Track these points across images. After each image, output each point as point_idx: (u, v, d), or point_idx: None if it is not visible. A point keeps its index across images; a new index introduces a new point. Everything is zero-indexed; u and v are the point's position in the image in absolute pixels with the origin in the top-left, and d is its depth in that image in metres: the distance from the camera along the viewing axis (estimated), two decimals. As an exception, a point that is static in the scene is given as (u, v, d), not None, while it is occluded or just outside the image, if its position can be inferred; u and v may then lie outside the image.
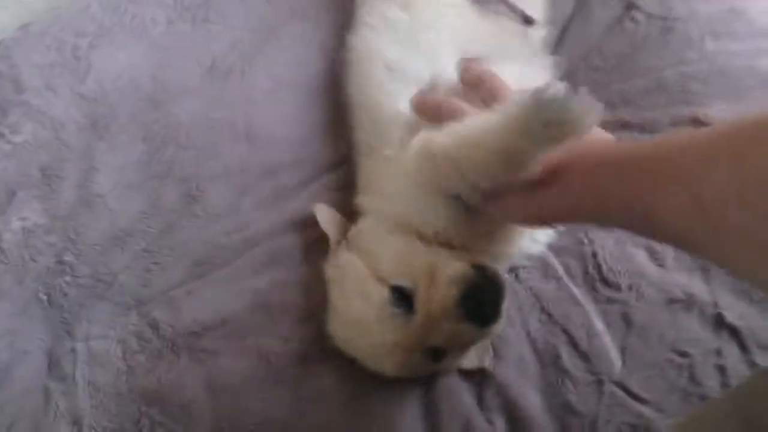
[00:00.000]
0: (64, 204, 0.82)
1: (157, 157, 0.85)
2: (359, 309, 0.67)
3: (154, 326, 0.77)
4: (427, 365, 0.67)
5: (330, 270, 0.74)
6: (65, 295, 0.78)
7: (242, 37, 0.91)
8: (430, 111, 0.71)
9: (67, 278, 0.79)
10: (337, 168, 0.86)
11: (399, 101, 0.76)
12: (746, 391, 0.51)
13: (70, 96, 0.86)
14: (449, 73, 0.77)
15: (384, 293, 0.66)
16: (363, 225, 0.75)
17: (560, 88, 0.49)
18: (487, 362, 0.74)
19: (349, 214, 0.80)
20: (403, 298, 0.65)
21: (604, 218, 0.55)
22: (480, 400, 0.74)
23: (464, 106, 0.68)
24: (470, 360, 0.73)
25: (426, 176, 0.65)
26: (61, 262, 0.80)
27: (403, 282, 0.66)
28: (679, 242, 0.49)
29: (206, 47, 0.90)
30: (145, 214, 0.83)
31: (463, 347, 0.68)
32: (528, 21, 0.82)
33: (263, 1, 0.94)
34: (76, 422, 0.72)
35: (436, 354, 0.66)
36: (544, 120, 0.50)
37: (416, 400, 0.73)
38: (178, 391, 0.73)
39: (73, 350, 0.76)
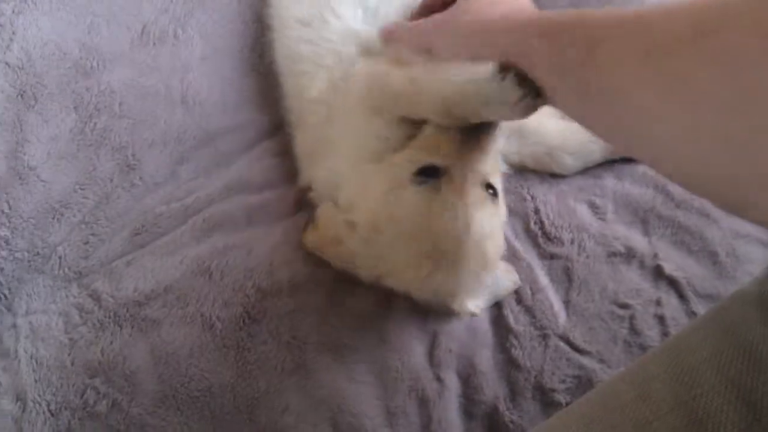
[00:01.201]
0: (-5, 177, 0.82)
1: (90, 126, 0.85)
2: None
3: (96, 298, 0.78)
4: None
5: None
6: (2, 270, 0.79)
7: (174, 1, 0.90)
8: (403, 37, 0.74)
9: (3, 253, 0.79)
10: (276, 133, 0.88)
11: (321, 59, 0.79)
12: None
13: (-5, 65, 0.85)
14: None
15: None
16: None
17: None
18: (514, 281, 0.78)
19: (290, 178, 0.82)
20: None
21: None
22: (431, 357, 0.77)
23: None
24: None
25: (375, 101, 0.71)
26: (-5, 237, 0.80)
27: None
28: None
29: (136, 12, 0.89)
30: (81, 185, 0.83)
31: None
32: None
33: (194, -38, 0.93)
34: (20, 398, 0.74)
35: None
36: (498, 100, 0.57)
37: (366, 360, 0.76)
38: (122, 362, 0.74)
39: (14, 326, 0.77)
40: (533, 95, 0.56)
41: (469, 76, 0.60)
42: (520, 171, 0.86)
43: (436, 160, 0.67)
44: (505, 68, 0.56)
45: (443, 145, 0.67)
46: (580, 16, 0.51)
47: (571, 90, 0.52)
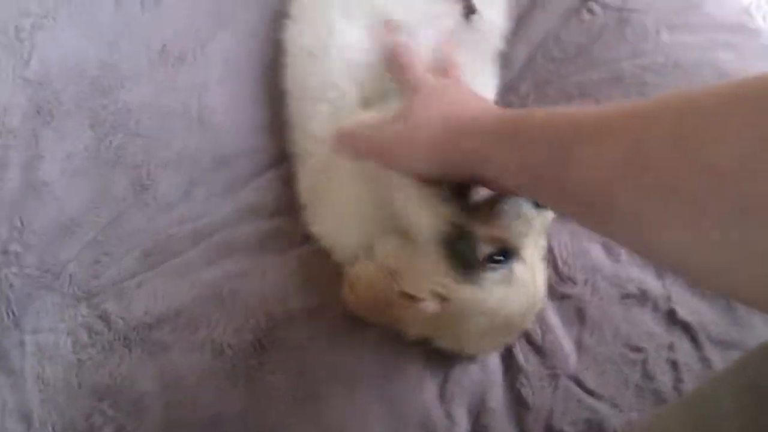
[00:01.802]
0: (8, 192, 0.82)
1: (105, 144, 0.86)
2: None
3: (105, 318, 0.79)
4: None
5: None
6: (11, 286, 0.80)
7: (195, 21, 0.91)
8: (361, 147, 0.74)
9: (14, 269, 0.80)
10: (288, 159, 0.88)
11: (323, 92, 0.80)
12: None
13: (13, 80, 0.86)
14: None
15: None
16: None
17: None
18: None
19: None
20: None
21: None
22: (442, 392, 0.77)
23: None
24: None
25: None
26: (6, 252, 0.81)
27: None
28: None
29: (157, 31, 0.90)
30: (94, 203, 0.84)
31: None
32: (470, 10, 0.84)
33: (216, -16, 0.94)
34: (26, 417, 0.74)
35: None
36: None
37: (377, 392, 0.76)
38: (130, 386, 0.75)
39: (22, 343, 0.78)
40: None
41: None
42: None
43: (507, 242, 0.69)
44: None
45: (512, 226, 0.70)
46: (548, 116, 0.53)
47: (546, 191, 0.54)
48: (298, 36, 0.85)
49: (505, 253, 0.69)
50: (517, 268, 0.70)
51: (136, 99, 0.87)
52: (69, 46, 0.88)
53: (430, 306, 0.68)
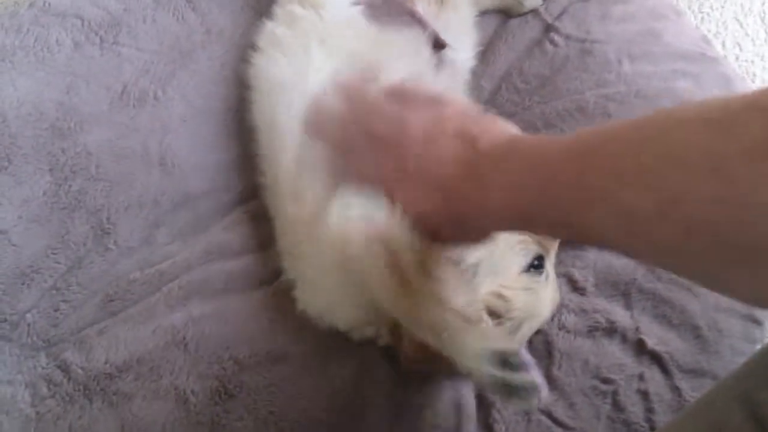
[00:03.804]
0: (-36, 240, 0.83)
1: (64, 188, 0.87)
2: None
3: (65, 369, 0.79)
4: None
5: None
6: (-33, 337, 0.80)
7: (155, 61, 0.93)
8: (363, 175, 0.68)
9: (-31, 319, 0.80)
10: (254, 197, 0.90)
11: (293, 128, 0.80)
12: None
13: (-32, 124, 0.87)
14: None
15: None
16: None
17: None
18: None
19: (268, 243, 0.84)
20: None
21: (522, 222, 0.57)
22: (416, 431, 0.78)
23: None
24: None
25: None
26: (-38, 302, 0.81)
27: None
28: (616, 250, 0.53)
29: (116, 72, 0.92)
30: (53, 249, 0.84)
31: None
32: (439, 44, 0.88)
33: (176, 22, 0.97)
34: (-18, 475, 0.74)
35: None
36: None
37: None
38: (90, 438, 0.75)
39: (-22, 397, 0.77)
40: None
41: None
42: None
43: (541, 249, 0.77)
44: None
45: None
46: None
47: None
48: (269, 68, 0.87)
49: (540, 257, 0.77)
50: (549, 266, 0.78)
51: (96, 142, 0.89)
52: (27, 90, 0.89)
53: None
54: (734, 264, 0.41)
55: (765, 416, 0.46)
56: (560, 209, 0.50)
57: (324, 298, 0.76)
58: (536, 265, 0.78)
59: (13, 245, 0.84)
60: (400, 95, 0.68)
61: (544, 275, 0.78)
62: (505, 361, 0.56)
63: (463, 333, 0.60)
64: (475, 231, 0.61)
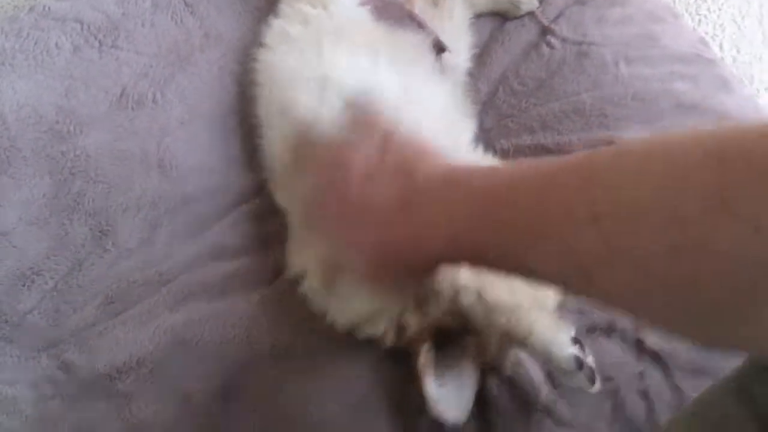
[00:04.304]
0: (-36, 242, 0.84)
1: (64, 191, 0.88)
2: None
3: (66, 370, 0.80)
4: None
5: None
6: (-32, 339, 0.81)
7: (153, 64, 0.95)
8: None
9: (-29, 321, 0.81)
10: (253, 197, 0.91)
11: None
12: None
13: (-33, 127, 0.88)
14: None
15: None
16: None
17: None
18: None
19: (268, 243, 0.85)
20: None
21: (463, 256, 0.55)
22: (417, 428, 0.78)
23: None
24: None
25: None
26: (-37, 305, 0.82)
27: None
28: (563, 290, 0.53)
29: (115, 75, 0.93)
30: (53, 251, 0.86)
31: None
32: (440, 48, 0.89)
33: (175, 26, 0.98)
34: (-16, 475, 0.75)
35: None
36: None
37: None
38: (93, 439, 0.76)
39: (-20, 398, 0.78)
40: None
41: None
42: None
43: None
44: None
45: None
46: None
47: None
48: (277, 62, 0.88)
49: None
50: None
51: (95, 144, 0.90)
52: (26, 93, 0.91)
53: None
54: (690, 314, 0.40)
55: (763, 411, 0.47)
56: (501, 244, 0.49)
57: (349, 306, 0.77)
58: None
59: (14, 247, 0.85)
60: (360, 126, 0.68)
61: None
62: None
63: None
64: (412, 265, 0.59)
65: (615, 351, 0.83)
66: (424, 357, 0.74)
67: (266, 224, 0.90)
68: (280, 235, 0.87)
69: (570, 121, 0.96)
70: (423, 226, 0.55)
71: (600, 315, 0.85)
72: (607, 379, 0.81)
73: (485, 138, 0.96)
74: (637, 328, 0.84)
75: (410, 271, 0.60)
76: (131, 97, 0.93)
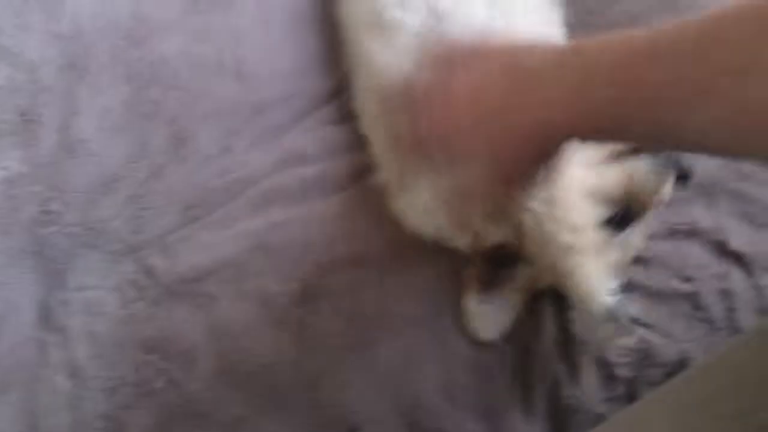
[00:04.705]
0: (46, 151, 0.85)
1: (142, 97, 0.88)
2: None
3: (150, 273, 0.81)
4: None
5: None
6: (55, 244, 0.82)
7: (225, -35, 0.92)
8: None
9: (55, 228, 0.82)
10: (332, 99, 0.89)
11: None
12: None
13: (45, 36, 0.88)
14: None
15: None
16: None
17: None
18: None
19: (346, 147, 0.85)
20: None
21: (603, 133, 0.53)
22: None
23: None
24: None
25: None
26: (47, 212, 0.83)
27: None
28: (717, 151, 0.50)
29: (187, -22, 0.91)
30: (133, 159, 0.86)
31: None
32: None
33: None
34: (75, 374, 0.77)
35: None
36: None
37: (426, 333, 0.78)
38: (179, 338, 0.77)
39: (67, 301, 0.80)
40: None
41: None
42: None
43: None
44: None
45: None
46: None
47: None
48: None
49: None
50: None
51: (171, 49, 0.89)
52: (99, 1, 0.90)
53: None
54: None
55: None
56: (646, 112, 0.47)
57: (419, 201, 0.75)
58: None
59: (94, 155, 0.85)
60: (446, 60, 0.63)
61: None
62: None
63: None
64: (538, 148, 0.56)
65: (696, 253, 0.82)
66: (472, 271, 0.75)
67: (342, 129, 0.88)
68: (356, 140, 0.85)
69: (660, 17, 0.90)
70: (542, 107, 0.52)
71: (681, 219, 0.81)
72: (686, 279, 0.80)
73: (566, 35, 0.91)
74: (720, 229, 0.81)
75: (530, 159, 0.57)
76: (203, 1, 0.91)
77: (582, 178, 0.72)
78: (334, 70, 0.89)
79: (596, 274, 0.72)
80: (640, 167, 0.73)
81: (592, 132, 0.51)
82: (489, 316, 0.76)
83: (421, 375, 0.76)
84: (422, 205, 0.75)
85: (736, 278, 0.80)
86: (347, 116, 0.86)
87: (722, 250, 0.81)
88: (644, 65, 0.46)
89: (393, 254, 0.79)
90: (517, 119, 0.54)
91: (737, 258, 0.81)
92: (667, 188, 0.75)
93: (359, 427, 0.74)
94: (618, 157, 0.75)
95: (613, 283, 0.73)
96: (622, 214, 0.74)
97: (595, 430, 0.66)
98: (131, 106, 0.87)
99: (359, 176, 0.84)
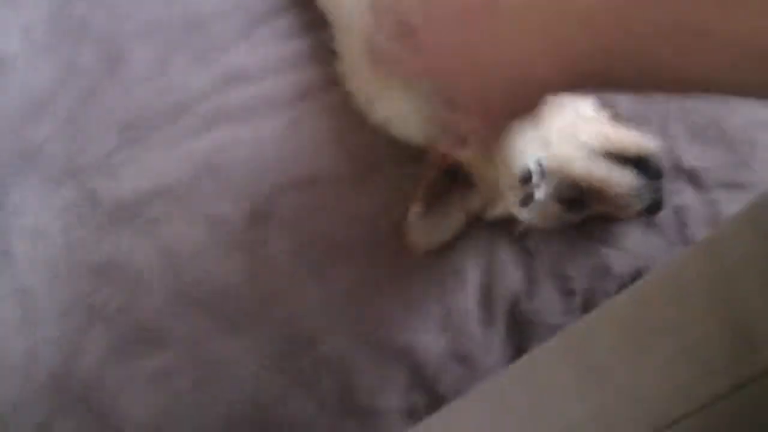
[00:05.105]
0: (-33, 72, 0.81)
1: (65, 14, 0.84)
2: None
3: (92, 198, 0.79)
4: None
5: None
6: (-12, 168, 0.79)
7: None
8: None
9: (-15, 151, 0.79)
10: (277, 15, 0.87)
11: None
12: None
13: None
14: None
15: None
16: None
17: None
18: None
19: (293, 63, 0.84)
20: None
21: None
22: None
23: None
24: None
25: None
26: (-26, 136, 0.80)
27: None
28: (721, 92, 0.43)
29: None
30: (62, 80, 0.83)
31: None
32: None
33: None
34: (24, 300, 0.75)
35: None
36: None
37: (382, 261, 0.78)
38: (128, 262, 0.76)
39: (10, 227, 0.78)
40: None
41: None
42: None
43: None
44: None
45: None
46: None
47: None
48: None
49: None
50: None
51: (94, -39, 0.84)
52: None
53: None
54: None
55: None
56: (630, 60, 0.41)
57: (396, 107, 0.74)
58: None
59: (20, 74, 0.82)
60: None
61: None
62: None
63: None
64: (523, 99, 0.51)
65: None
66: (423, 183, 0.75)
67: (291, 44, 0.86)
68: (301, 56, 0.84)
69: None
70: (522, 63, 0.46)
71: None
72: None
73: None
74: (672, 149, 0.84)
75: (515, 104, 0.51)
76: None
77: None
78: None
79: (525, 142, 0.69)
80: (626, 180, 0.74)
81: (578, 82, 0.46)
82: (425, 230, 0.77)
83: (379, 291, 0.77)
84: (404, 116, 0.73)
85: (689, 194, 0.82)
86: (294, 32, 0.85)
87: (676, 168, 0.83)
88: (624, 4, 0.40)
89: (344, 175, 0.79)
90: (499, 73, 0.49)
91: (690, 175, 0.83)
92: (630, 212, 0.77)
93: (318, 341, 0.75)
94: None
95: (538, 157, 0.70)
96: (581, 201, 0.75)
97: (550, 341, 0.68)
98: (55, 24, 0.84)
99: (306, 94, 0.83)
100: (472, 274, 0.78)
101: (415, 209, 0.75)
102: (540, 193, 0.70)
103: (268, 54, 0.83)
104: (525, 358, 0.64)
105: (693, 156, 0.83)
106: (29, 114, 0.81)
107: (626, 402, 0.52)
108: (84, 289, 0.75)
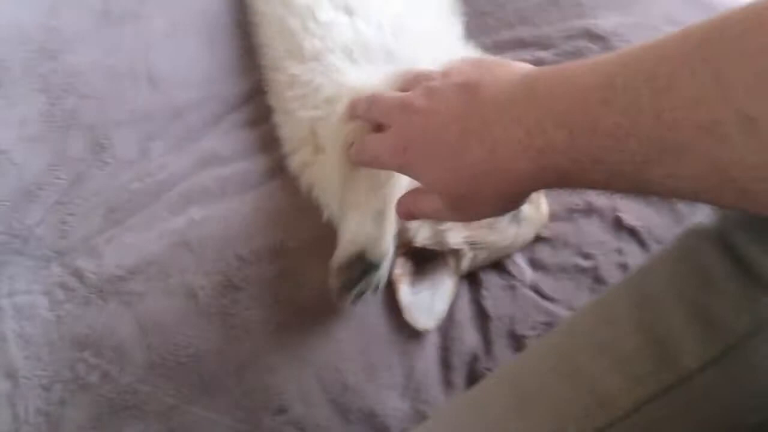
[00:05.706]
0: (-33, 164, 0.88)
1: (58, 108, 0.92)
2: None
3: (78, 275, 0.85)
4: None
5: None
6: (-20, 254, 0.86)
7: (132, -22, 0.97)
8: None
9: (-20, 237, 0.86)
10: (245, 103, 0.96)
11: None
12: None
13: (-44, 51, 0.91)
14: None
15: None
16: None
17: None
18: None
19: (259, 148, 0.92)
20: None
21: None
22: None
23: None
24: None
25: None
26: (-29, 223, 0.87)
27: None
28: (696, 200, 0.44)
29: (95, -9, 0.96)
30: (53, 166, 0.91)
31: None
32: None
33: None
34: (11, 375, 0.81)
35: None
36: None
37: (346, 316, 0.84)
38: (110, 334, 0.82)
39: (0, 308, 0.84)
40: None
41: None
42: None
43: None
44: None
45: None
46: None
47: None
48: None
49: None
50: (525, 207, 0.81)
51: (84, 61, 0.94)
52: (10, 14, 0.94)
53: None
54: None
55: (744, 258, 0.51)
56: (616, 158, 0.41)
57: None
58: None
59: (15, 164, 0.90)
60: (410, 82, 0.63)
61: (509, 216, 0.82)
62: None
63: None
64: (483, 201, 0.53)
65: (594, 231, 0.90)
66: (401, 267, 0.82)
67: (257, 129, 0.95)
68: (270, 140, 0.92)
69: (547, 13, 1.00)
70: (499, 146, 0.47)
71: (578, 198, 0.91)
72: (587, 256, 0.88)
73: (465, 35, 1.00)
74: (615, 208, 0.90)
75: (496, 202, 0.53)
76: (114, 13, 0.96)
77: None
78: (247, 73, 0.96)
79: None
80: None
81: (556, 181, 0.47)
82: (424, 305, 0.82)
83: (343, 357, 0.82)
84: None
85: (632, 251, 0.87)
86: (260, 119, 0.93)
87: (617, 226, 0.89)
88: (597, 109, 0.41)
89: (310, 245, 0.86)
90: (470, 160, 0.50)
91: (632, 233, 0.88)
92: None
93: (287, 407, 0.79)
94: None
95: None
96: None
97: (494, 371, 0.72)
98: (49, 116, 0.92)
99: (273, 173, 0.91)
100: (431, 335, 0.83)
101: (403, 287, 0.82)
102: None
103: (236, 139, 0.91)
104: (475, 386, 0.70)
105: (634, 216, 0.89)
106: (22, 200, 0.88)
107: (560, 417, 0.57)
108: (67, 362, 0.81)
